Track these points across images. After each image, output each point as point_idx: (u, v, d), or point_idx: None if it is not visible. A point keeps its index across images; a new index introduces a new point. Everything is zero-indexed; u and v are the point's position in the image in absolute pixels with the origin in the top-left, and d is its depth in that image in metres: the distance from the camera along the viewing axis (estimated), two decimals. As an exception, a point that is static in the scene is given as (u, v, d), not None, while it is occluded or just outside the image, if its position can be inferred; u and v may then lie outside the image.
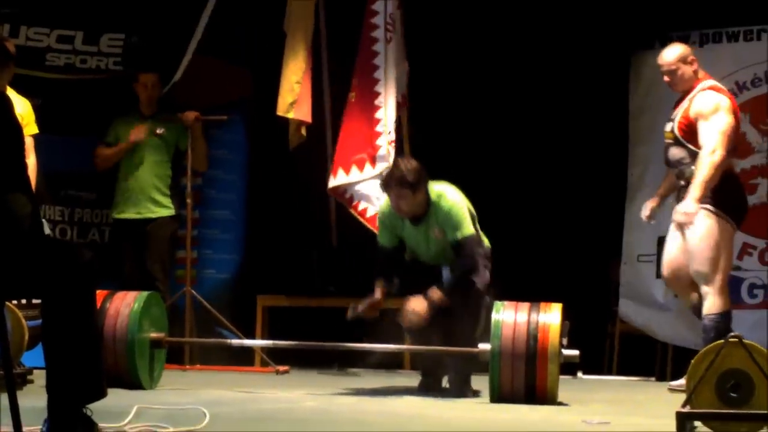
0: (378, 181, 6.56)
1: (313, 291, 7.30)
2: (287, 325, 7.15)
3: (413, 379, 6.14)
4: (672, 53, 6.22)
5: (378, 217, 6.06)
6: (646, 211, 6.42)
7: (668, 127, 6.22)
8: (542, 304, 5.52)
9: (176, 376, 6.29)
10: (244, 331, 6.85)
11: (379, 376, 6.70)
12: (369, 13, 7.04)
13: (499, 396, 5.37)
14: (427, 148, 7.02)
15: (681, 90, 6.23)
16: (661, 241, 7.17)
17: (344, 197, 7.00)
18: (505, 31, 7.57)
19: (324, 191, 7.17)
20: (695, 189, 5.95)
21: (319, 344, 6.11)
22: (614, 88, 7.41)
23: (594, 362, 7.09)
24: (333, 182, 6.98)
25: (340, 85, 7.29)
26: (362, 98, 6.96)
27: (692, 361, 4.49)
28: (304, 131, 7.20)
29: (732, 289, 6.94)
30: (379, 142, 6.90)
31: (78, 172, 7.39)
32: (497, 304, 5.54)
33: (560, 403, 5.35)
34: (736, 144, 6.27)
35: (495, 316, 5.47)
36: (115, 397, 3.92)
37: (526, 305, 5.52)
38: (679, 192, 6.18)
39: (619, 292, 7.28)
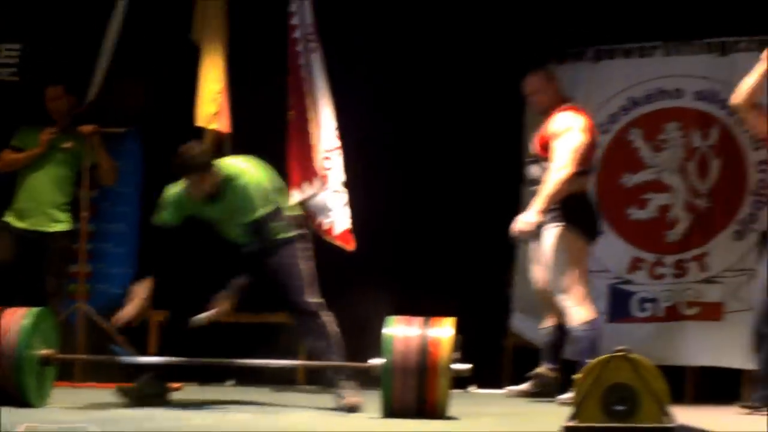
0: (327, 192, 6.74)
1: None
2: (182, 341, 7.06)
3: (308, 394, 6.12)
4: (531, 79, 6.46)
5: (167, 194, 5.86)
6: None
7: (531, 147, 6.41)
8: (434, 319, 5.52)
9: (67, 394, 6.19)
10: (139, 348, 6.78)
11: (274, 391, 6.67)
12: (290, 29, 7.05)
13: (390, 410, 5.36)
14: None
15: (540, 113, 6.45)
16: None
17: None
18: (411, 44, 7.59)
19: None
20: (539, 201, 6.15)
21: (212, 361, 6.06)
22: (511, 103, 7.46)
23: (488, 376, 7.12)
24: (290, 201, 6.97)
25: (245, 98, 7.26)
26: (298, 114, 6.98)
27: (579, 374, 4.53)
28: (215, 144, 7.17)
29: (622, 302, 7.09)
30: (317, 153, 6.93)
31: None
32: (389, 318, 5.54)
33: (450, 418, 5.36)
34: (589, 163, 6.43)
35: (386, 330, 5.46)
36: (3, 415, 3.85)
37: (418, 320, 5.52)
38: None
39: (512, 306, 7.33)
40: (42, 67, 7.39)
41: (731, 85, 6.71)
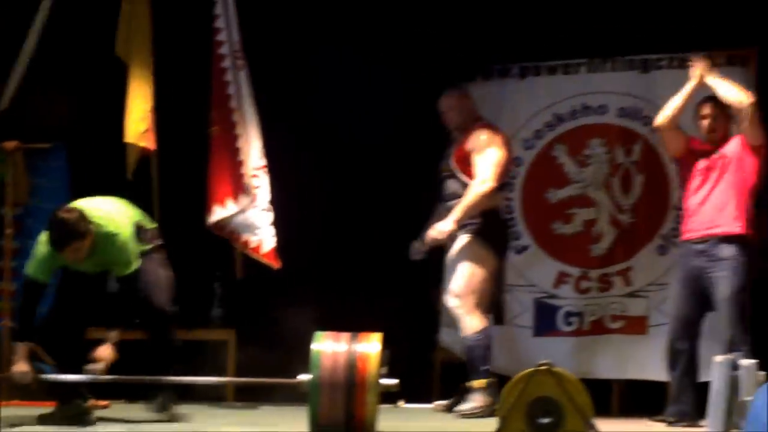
0: (255, 210, 6.77)
1: (136, 323, 7.18)
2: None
3: (236, 411, 6.09)
4: (447, 97, 6.63)
5: (40, 257, 5.82)
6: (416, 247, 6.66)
7: (445, 162, 6.55)
8: (362, 334, 5.53)
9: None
10: (70, 365, 6.69)
11: (202, 409, 6.63)
12: (215, 45, 7.03)
13: (318, 427, 5.35)
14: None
15: (455, 129, 6.61)
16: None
17: (225, 232, 6.99)
18: (337, 59, 7.59)
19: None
20: (457, 210, 6.36)
21: (139, 378, 6.02)
22: (436, 120, 7.48)
23: (417, 391, 7.13)
24: (212, 219, 6.94)
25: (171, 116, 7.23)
26: (223, 131, 6.97)
27: (503, 388, 4.58)
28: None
29: (548, 316, 7.16)
30: (243, 171, 6.94)
31: None
32: (317, 334, 5.53)
33: (378, 433, 5.37)
34: (505, 179, 6.63)
35: (314, 346, 5.46)
36: None
37: (345, 335, 5.52)
38: None
39: (440, 321, 7.36)
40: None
41: (653, 102, 6.88)
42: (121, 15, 7.17)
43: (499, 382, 6.87)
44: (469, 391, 6.35)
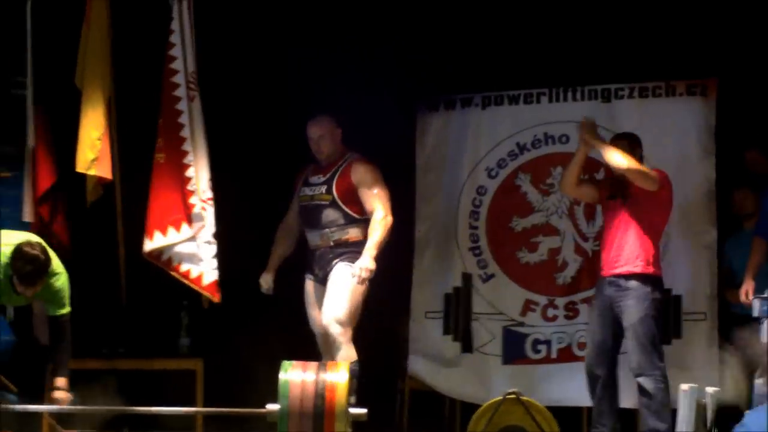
0: (198, 242, 6.71)
1: (103, 353, 7.19)
2: (76, 388, 7.00)
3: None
4: (321, 123, 6.79)
5: None
6: (265, 284, 6.86)
7: (318, 190, 6.76)
8: (330, 363, 5.56)
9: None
10: (34, 395, 6.67)
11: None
12: (168, 73, 6.98)
13: (288, 456, 5.37)
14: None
15: (325, 158, 6.80)
16: (449, 298, 7.37)
17: (161, 260, 6.91)
18: (299, 85, 7.61)
19: (116, 250, 7.08)
20: (373, 248, 6.56)
21: (106, 408, 6.02)
22: (402, 146, 7.55)
23: (384, 419, 7.14)
24: (150, 245, 6.85)
25: (136, 142, 7.22)
26: (170, 158, 6.89)
27: (472, 417, 4.62)
28: (100, 189, 7.11)
29: (516, 344, 7.19)
30: (192, 200, 6.85)
31: None
32: (285, 363, 5.55)
33: (347, 462, 5.38)
34: None
35: (282, 375, 5.48)
36: None
37: (313, 364, 5.54)
38: (322, 253, 6.70)
39: (408, 349, 7.39)
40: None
41: (615, 131, 6.93)
42: (81, 42, 7.10)
43: (467, 410, 6.96)
44: None
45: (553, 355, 7.15)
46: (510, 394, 4.67)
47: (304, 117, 7.23)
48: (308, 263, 6.82)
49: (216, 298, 6.84)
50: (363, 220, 6.69)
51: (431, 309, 7.38)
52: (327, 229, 6.69)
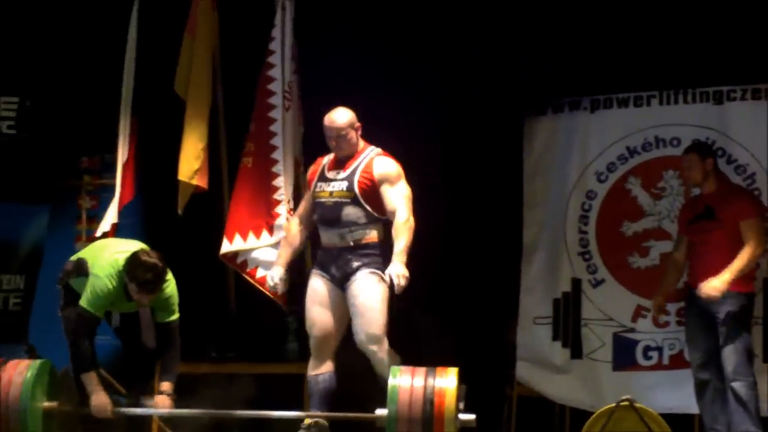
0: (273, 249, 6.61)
1: (211, 357, 7.26)
2: (186, 392, 7.06)
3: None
4: (343, 117, 6.20)
5: (105, 295, 5.86)
6: (277, 278, 6.28)
7: (338, 186, 6.18)
8: (438, 369, 5.53)
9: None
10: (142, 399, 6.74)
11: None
12: (264, 79, 7.01)
13: (396, 461, 5.36)
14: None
15: (345, 154, 6.22)
16: (557, 304, 7.30)
17: (235, 263, 6.95)
18: (403, 94, 7.60)
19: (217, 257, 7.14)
20: (403, 254, 5.97)
21: (216, 412, 6.07)
22: (510, 151, 7.50)
23: (493, 426, 7.10)
24: (227, 247, 6.91)
25: (235, 150, 7.28)
26: (259, 164, 6.92)
27: (585, 424, 4.55)
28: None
29: (627, 351, 7.09)
30: (278, 210, 6.87)
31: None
32: (394, 368, 5.54)
33: (457, 468, 5.35)
34: None
35: (392, 380, 5.47)
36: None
37: (422, 370, 5.53)
38: (340, 252, 6.15)
39: (516, 355, 7.33)
40: (40, 120, 7.39)
41: (726, 134, 6.84)
42: (182, 50, 7.16)
43: (576, 417, 6.88)
44: None
45: (665, 361, 7.04)
46: (624, 401, 4.59)
47: (403, 126, 7.23)
48: (322, 261, 6.25)
49: (284, 304, 6.83)
50: (383, 220, 6.17)
51: (540, 315, 7.32)
52: (346, 228, 6.14)
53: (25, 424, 5.60)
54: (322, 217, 6.23)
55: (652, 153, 7.26)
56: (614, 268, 7.21)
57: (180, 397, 6.40)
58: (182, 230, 7.47)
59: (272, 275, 6.29)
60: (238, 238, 6.87)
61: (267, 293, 6.74)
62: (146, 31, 7.12)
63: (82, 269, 5.94)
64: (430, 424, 5.35)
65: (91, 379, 5.80)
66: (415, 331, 7.08)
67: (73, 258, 6.10)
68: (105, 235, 6.88)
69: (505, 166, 7.52)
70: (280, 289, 6.29)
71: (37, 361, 5.86)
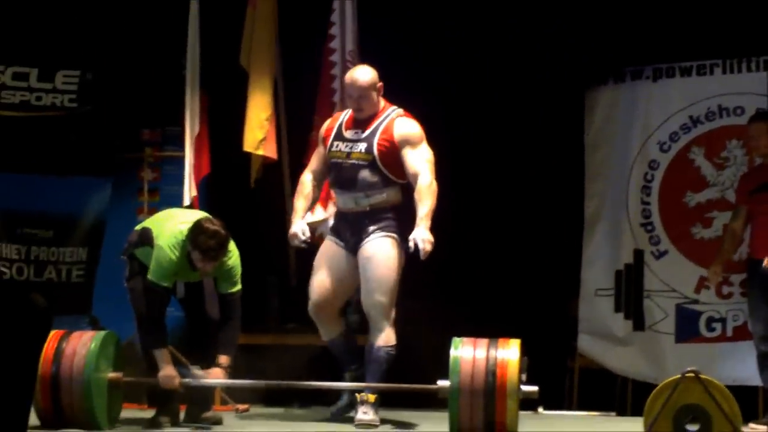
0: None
1: (272, 328, 7.30)
2: (246, 363, 7.10)
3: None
4: (366, 76, 6.03)
5: (168, 265, 5.86)
6: (302, 235, 6.15)
7: (356, 147, 6.02)
8: (501, 340, 5.53)
9: (135, 416, 6.23)
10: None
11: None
12: (327, 52, 7.03)
13: (458, 432, 5.36)
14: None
15: (365, 115, 6.04)
16: (620, 276, 7.24)
17: (314, 236, 6.94)
18: (462, 67, 7.56)
19: (280, 229, 7.14)
20: (427, 218, 5.79)
21: (275, 383, 6.10)
22: (570, 123, 7.45)
23: (554, 398, 7.08)
24: (309, 218, 6.86)
25: (297, 124, 7.28)
26: None
27: (650, 396, 4.52)
28: (261, 169, 7.18)
29: (690, 322, 7.03)
30: None
31: (34, 211, 7.32)
32: (455, 340, 5.54)
33: (520, 439, 5.35)
34: None
35: (453, 352, 5.47)
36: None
37: (484, 341, 5.53)
38: (356, 216, 6.04)
39: (578, 327, 7.29)
40: (101, 93, 7.41)
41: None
42: (246, 23, 7.18)
43: (639, 389, 6.85)
44: (363, 402, 5.93)
45: (729, 333, 6.97)
46: (689, 372, 4.55)
47: (467, 100, 7.16)
48: (337, 227, 6.18)
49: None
50: (401, 183, 6.01)
51: (602, 287, 7.27)
52: (362, 193, 5.99)
53: (90, 395, 5.66)
54: (337, 179, 6.10)
55: (715, 122, 7.18)
56: (677, 239, 7.13)
57: (242, 368, 6.48)
58: (246, 204, 7.51)
59: (302, 230, 6.13)
60: (319, 208, 6.85)
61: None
62: (209, 3, 7.13)
63: (146, 239, 5.98)
64: (492, 396, 5.35)
65: (163, 356, 5.85)
66: (475, 303, 7.07)
67: (138, 228, 6.14)
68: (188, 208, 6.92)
69: (566, 137, 7.47)
70: (308, 236, 6.17)
71: (101, 332, 5.92)
